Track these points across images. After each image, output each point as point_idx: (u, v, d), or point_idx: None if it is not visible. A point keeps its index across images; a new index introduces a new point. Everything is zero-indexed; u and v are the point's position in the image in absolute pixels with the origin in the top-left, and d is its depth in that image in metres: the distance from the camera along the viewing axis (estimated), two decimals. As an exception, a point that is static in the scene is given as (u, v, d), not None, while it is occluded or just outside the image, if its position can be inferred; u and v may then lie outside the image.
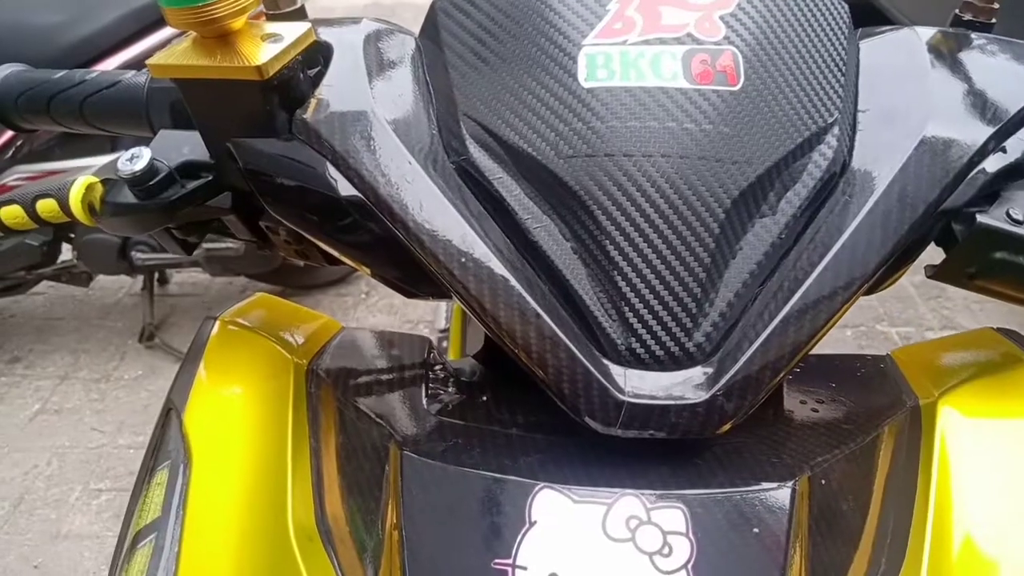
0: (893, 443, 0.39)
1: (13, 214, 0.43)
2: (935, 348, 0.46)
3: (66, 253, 1.90)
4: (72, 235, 1.83)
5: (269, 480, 0.40)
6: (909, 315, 2.12)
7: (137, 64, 1.67)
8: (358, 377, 0.45)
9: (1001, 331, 0.45)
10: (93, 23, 1.65)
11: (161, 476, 0.40)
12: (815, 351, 0.47)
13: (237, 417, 0.42)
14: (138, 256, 1.80)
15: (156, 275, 2.04)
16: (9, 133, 1.66)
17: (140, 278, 2.01)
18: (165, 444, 0.41)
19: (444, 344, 1.25)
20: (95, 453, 1.74)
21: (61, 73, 0.49)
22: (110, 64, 1.64)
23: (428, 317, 2.07)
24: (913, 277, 2.28)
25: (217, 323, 0.47)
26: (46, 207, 0.42)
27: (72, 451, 1.75)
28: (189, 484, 0.39)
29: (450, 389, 0.44)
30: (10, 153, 1.67)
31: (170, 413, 0.42)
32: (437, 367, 0.46)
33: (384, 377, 0.45)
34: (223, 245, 1.79)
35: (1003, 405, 0.39)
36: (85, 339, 2.08)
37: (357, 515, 0.38)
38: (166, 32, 1.71)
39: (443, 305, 1.35)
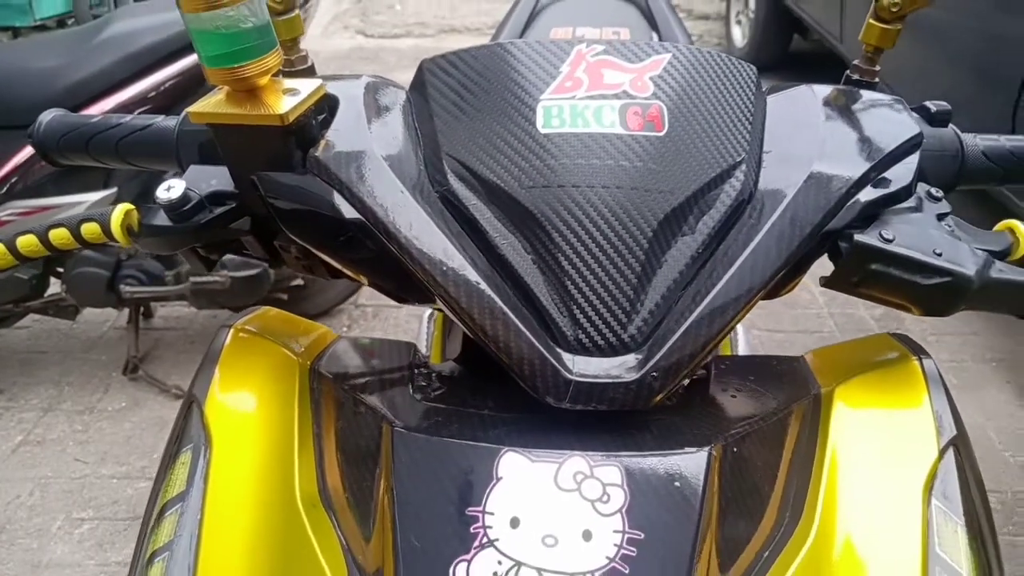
0: (798, 423, 0.47)
1: (60, 236, 0.50)
2: (840, 349, 0.54)
3: (54, 287, 1.94)
4: (60, 269, 1.88)
5: (278, 459, 0.47)
6: (868, 346, 2.22)
7: (131, 104, 1.75)
8: (354, 374, 0.52)
9: (894, 335, 0.54)
10: (88, 67, 1.72)
11: (185, 457, 0.47)
12: (741, 353, 0.55)
13: (250, 408, 0.49)
14: (126, 289, 1.85)
15: (141, 309, 2.08)
16: (1, 172, 1.73)
17: (125, 312, 2.06)
18: (188, 431, 0.48)
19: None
20: (78, 483, 1.76)
21: (98, 117, 0.57)
22: (105, 105, 1.72)
23: (408, 349, 2.13)
24: (873, 311, 2.39)
25: (231, 331, 0.54)
26: (90, 230, 0.50)
27: (55, 481, 1.76)
28: (210, 463, 0.46)
29: (433, 383, 0.52)
30: (4, 189, 1.73)
31: (192, 405, 0.49)
32: (422, 367, 0.54)
33: (376, 374, 0.53)
34: (209, 279, 1.85)
35: (884, 395, 0.48)
36: (69, 372, 2.10)
37: (353, 484, 0.45)
38: (157, 77, 1.80)
39: (423, 337, 1.43)
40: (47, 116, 0.57)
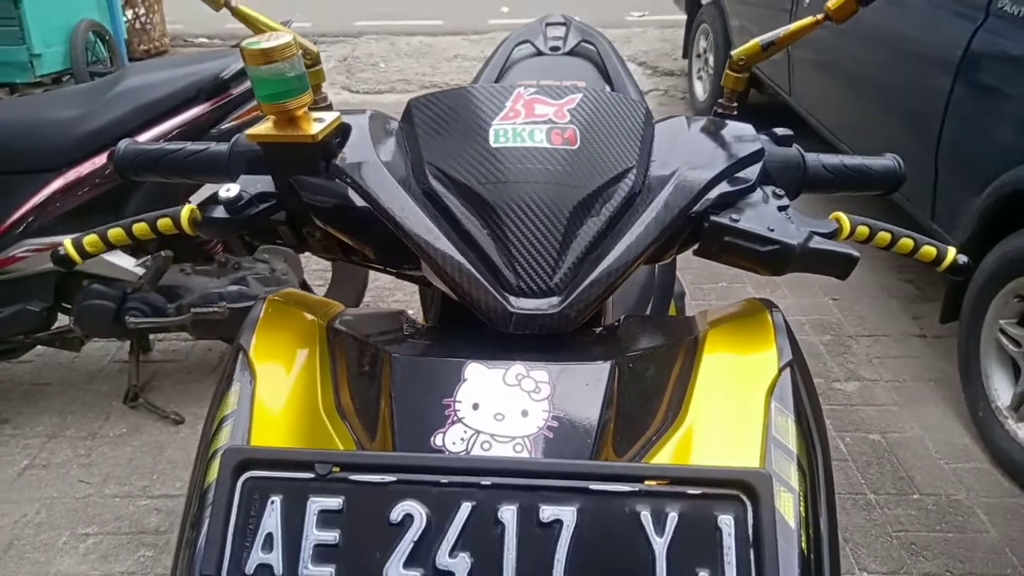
0: (683, 354, 0.65)
1: (141, 228, 0.68)
2: (720, 308, 0.73)
3: (61, 320, 2.07)
4: (68, 305, 2.03)
5: (305, 385, 0.64)
6: (819, 369, 2.41)
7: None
8: (360, 329, 0.70)
9: (759, 299, 0.73)
10: (103, 118, 1.90)
11: (235, 387, 0.63)
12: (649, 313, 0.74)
13: (283, 351, 0.66)
14: (131, 320, 1.99)
15: (141, 341, 2.21)
16: (20, 212, 1.89)
17: (125, 346, 2.18)
18: (236, 369, 0.65)
19: None
20: (82, 502, 1.86)
21: (162, 144, 0.75)
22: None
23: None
24: (823, 336, 2.59)
25: (265, 302, 0.71)
26: (164, 223, 0.67)
27: (60, 501, 1.87)
28: (255, 389, 0.63)
29: (420, 330, 0.70)
30: (22, 227, 1.89)
31: (239, 352, 0.66)
32: (411, 323, 0.72)
33: (377, 329, 0.71)
34: (210, 309, 2.00)
35: (743, 334, 0.66)
36: (71, 402, 2.22)
37: (360, 398, 0.62)
38: (165, 126, 1.98)
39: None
40: (123, 144, 0.75)
